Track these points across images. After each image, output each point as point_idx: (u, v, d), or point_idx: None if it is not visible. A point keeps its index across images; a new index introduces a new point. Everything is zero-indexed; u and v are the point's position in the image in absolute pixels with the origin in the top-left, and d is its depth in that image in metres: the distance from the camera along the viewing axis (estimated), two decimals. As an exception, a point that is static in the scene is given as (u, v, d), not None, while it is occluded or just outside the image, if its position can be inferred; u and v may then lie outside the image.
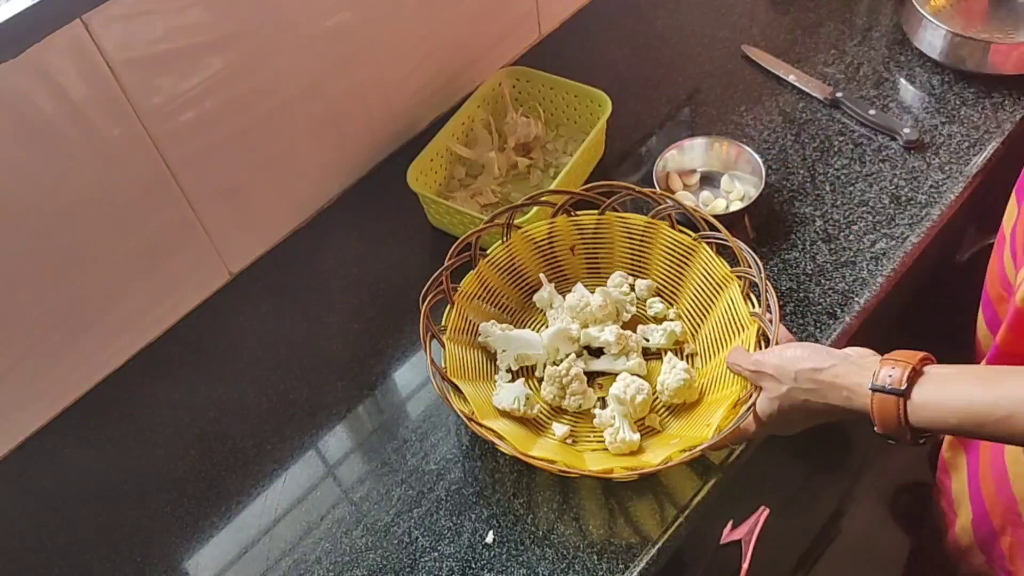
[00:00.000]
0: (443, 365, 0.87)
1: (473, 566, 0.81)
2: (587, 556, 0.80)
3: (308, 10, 0.97)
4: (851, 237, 0.99)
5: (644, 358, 0.91)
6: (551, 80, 1.12)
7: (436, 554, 0.82)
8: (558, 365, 0.88)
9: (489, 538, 0.82)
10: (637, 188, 0.93)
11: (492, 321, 0.93)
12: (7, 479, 0.93)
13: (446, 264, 0.90)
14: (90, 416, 0.97)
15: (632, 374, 0.88)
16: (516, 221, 0.96)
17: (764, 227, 1.01)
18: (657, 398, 0.88)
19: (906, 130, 1.06)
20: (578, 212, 0.97)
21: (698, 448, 0.77)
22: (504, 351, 0.91)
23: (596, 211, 0.96)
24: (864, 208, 1.01)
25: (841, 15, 1.25)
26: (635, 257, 0.98)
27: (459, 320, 0.92)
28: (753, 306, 0.87)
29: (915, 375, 0.65)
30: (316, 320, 1.02)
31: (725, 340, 0.89)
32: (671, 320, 0.94)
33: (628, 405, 0.85)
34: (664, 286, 0.97)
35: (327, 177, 1.12)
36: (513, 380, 0.91)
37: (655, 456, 0.81)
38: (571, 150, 1.12)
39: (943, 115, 1.09)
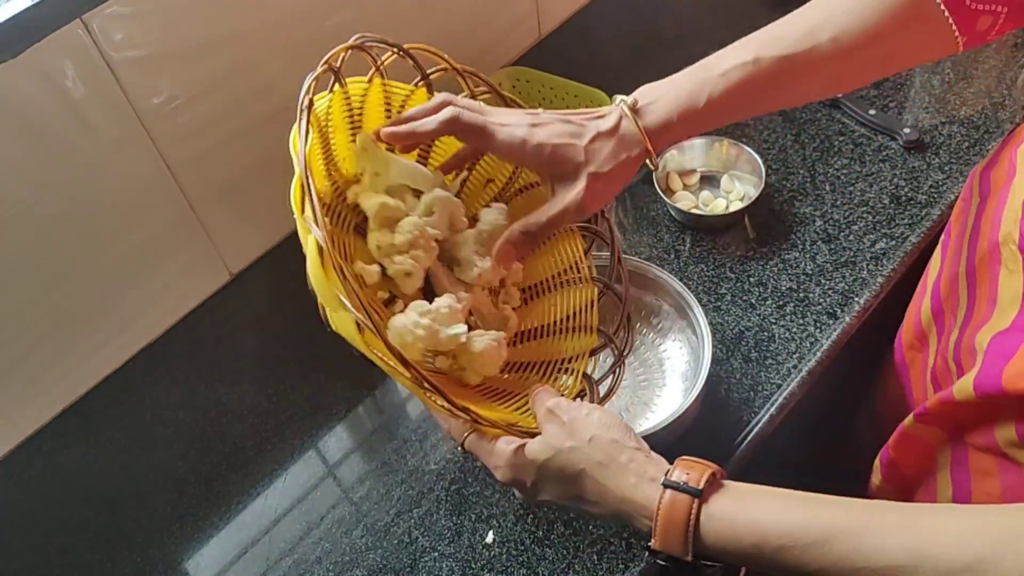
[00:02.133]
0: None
1: (473, 566, 0.81)
2: (587, 556, 0.80)
3: (308, 10, 0.97)
4: (851, 237, 0.99)
5: None
6: (551, 80, 1.12)
7: (436, 554, 0.82)
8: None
9: (489, 538, 0.82)
10: (456, 64, 0.75)
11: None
12: (7, 479, 0.93)
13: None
14: (90, 416, 0.97)
15: None
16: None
17: (764, 227, 1.01)
18: None
19: (906, 130, 1.06)
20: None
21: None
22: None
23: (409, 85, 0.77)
24: (864, 208, 1.01)
25: (841, 15, 1.24)
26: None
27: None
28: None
29: (713, 482, 0.57)
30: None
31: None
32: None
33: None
34: None
35: (327, 177, 1.12)
36: None
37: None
38: (571, 150, 1.12)
39: (943, 115, 1.09)
